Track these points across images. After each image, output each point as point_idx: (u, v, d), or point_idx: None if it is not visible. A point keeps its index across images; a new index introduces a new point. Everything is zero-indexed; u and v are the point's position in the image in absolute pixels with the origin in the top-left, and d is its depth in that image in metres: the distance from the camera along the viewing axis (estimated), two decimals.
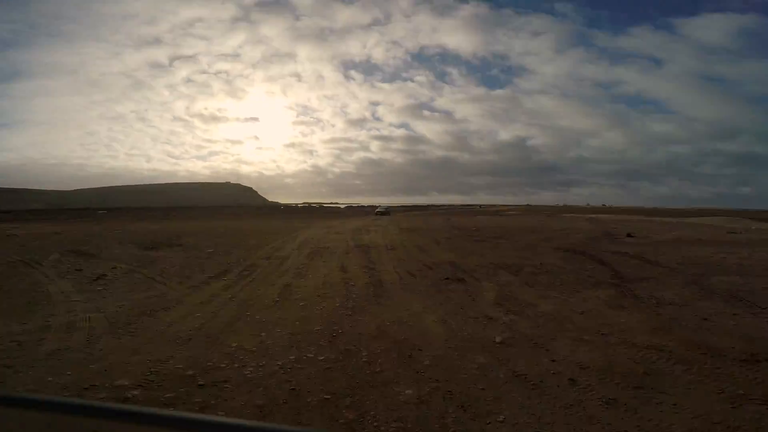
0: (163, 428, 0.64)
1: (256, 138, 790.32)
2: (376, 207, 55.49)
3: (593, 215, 39.56)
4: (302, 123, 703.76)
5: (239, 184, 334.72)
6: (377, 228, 19.86)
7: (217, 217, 34.59)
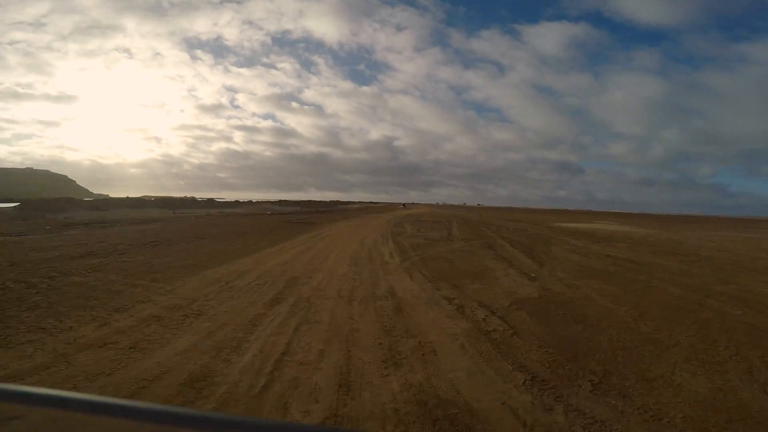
0: (165, 425, 0.64)
1: (77, 120, 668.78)
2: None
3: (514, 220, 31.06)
4: (142, 106, 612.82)
5: (48, 172, 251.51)
6: None
7: None
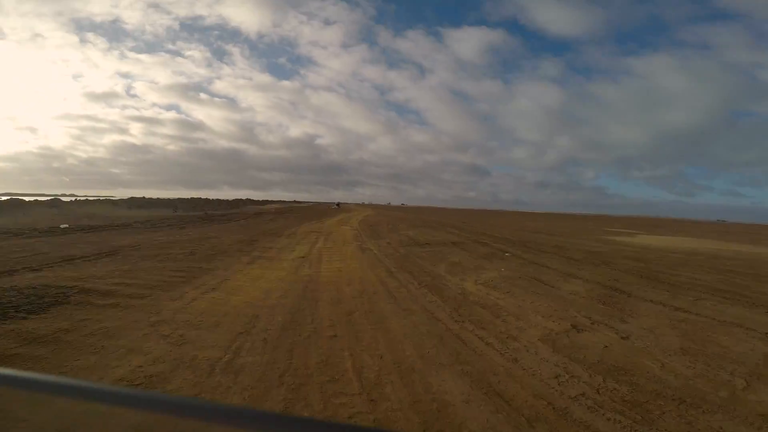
0: (167, 413, 0.63)
1: None
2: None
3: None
4: (12, 92, 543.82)
5: None
6: None
7: None
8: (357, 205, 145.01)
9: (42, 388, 0.66)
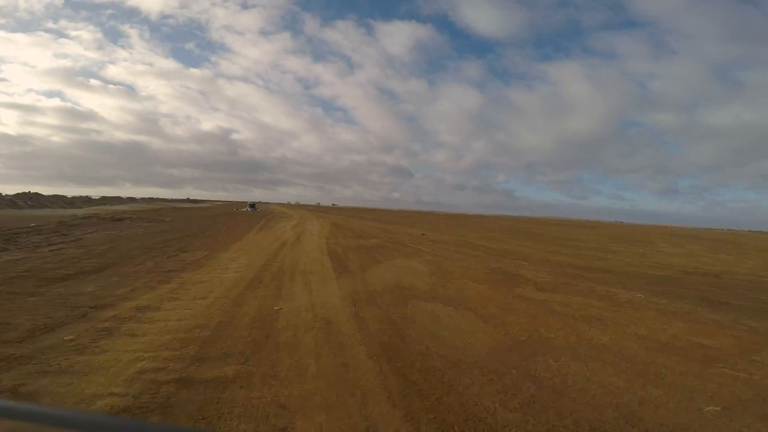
0: None
1: None
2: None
3: None
4: None
5: None
6: None
7: None
8: (281, 205, 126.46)
9: (30, 419, 0.65)
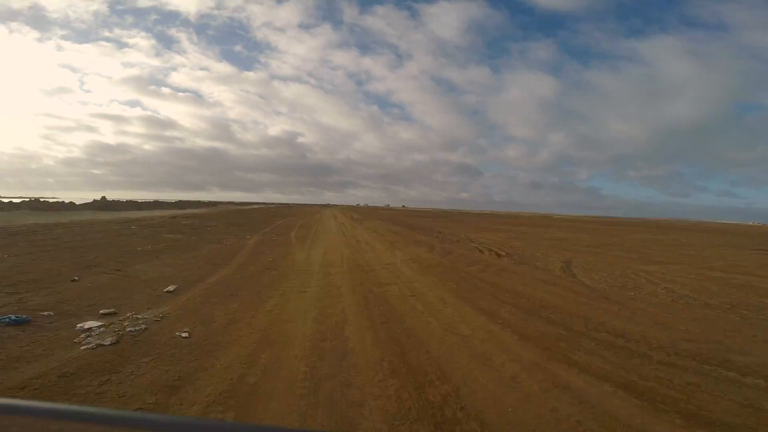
0: None
1: None
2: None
3: None
4: None
5: None
6: None
7: None
8: (346, 210, 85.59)
9: (39, 415, 0.66)
